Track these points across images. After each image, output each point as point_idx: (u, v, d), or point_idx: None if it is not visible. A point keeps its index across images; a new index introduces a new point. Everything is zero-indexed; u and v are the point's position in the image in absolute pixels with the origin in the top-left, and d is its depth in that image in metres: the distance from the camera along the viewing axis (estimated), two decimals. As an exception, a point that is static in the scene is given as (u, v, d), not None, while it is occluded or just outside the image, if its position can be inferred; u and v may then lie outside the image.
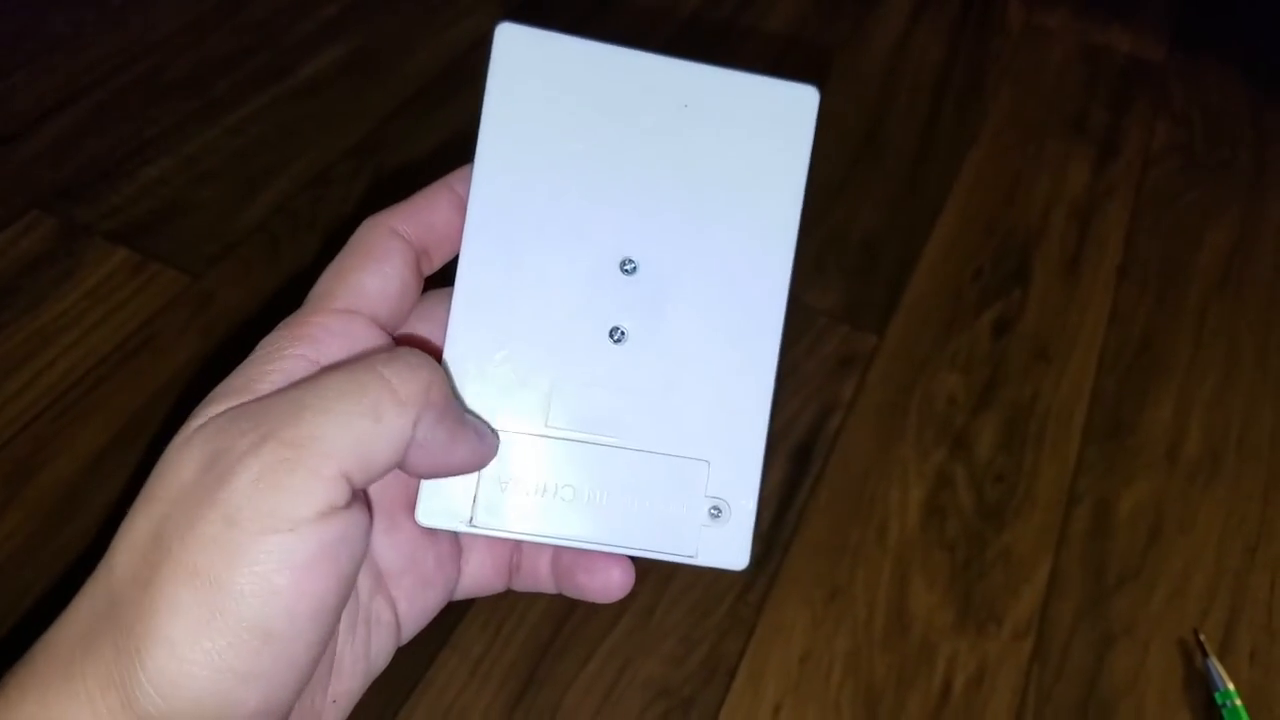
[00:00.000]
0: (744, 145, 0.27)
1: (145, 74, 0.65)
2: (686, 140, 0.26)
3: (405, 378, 0.21)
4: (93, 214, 0.57)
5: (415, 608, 0.25)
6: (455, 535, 0.26)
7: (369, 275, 0.24)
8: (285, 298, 0.53)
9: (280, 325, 0.23)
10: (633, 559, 0.26)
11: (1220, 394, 0.56)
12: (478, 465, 0.24)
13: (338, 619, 0.20)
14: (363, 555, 0.20)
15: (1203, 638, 0.46)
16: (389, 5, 0.72)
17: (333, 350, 0.22)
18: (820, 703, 0.42)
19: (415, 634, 0.25)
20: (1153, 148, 0.71)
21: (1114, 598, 0.47)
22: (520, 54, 0.28)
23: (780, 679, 0.43)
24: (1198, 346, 0.59)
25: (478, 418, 0.24)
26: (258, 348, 0.23)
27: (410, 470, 0.22)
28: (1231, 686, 0.44)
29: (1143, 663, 0.45)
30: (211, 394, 0.22)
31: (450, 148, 0.63)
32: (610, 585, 0.26)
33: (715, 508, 0.26)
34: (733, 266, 0.26)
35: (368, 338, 0.23)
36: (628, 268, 0.26)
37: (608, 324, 0.26)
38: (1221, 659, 0.46)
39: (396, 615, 0.24)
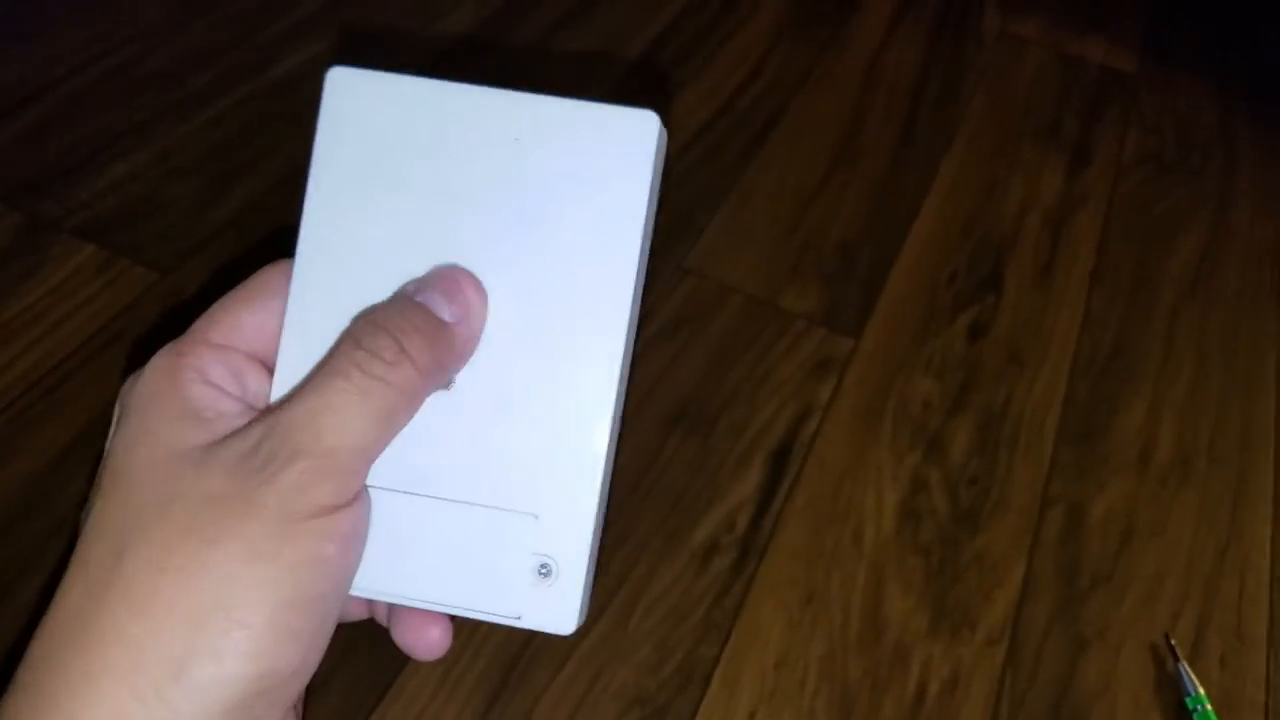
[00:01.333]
0: (579, 178, 0.25)
1: (119, 66, 0.64)
2: (519, 175, 0.25)
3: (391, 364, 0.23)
4: (60, 209, 0.55)
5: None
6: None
7: (250, 312, 0.25)
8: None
9: (164, 349, 0.25)
10: (455, 617, 0.25)
11: (1191, 398, 0.57)
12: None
13: (345, 596, 0.23)
14: (364, 538, 0.24)
15: (1174, 642, 0.46)
16: (368, 2, 0.72)
17: (217, 374, 0.24)
18: (795, 708, 0.42)
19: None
20: (1124, 156, 0.72)
21: (1086, 602, 0.47)
22: (352, 95, 0.26)
23: (755, 685, 0.43)
24: (1168, 351, 0.59)
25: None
26: (147, 371, 0.25)
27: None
28: (1202, 691, 0.44)
29: (1114, 667, 0.46)
30: (129, 409, 0.25)
31: (427, 146, 0.62)
32: (428, 644, 0.26)
33: (544, 566, 0.24)
34: (566, 306, 0.25)
35: (242, 373, 0.25)
36: None
37: None
38: (1192, 663, 0.46)
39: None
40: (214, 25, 0.68)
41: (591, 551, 0.25)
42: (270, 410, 0.23)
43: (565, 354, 0.25)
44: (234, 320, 0.25)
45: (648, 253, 0.26)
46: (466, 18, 0.72)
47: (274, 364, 0.25)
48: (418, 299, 0.24)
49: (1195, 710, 0.44)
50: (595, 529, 0.25)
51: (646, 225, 0.26)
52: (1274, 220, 0.70)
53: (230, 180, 0.58)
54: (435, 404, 0.24)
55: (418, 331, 0.23)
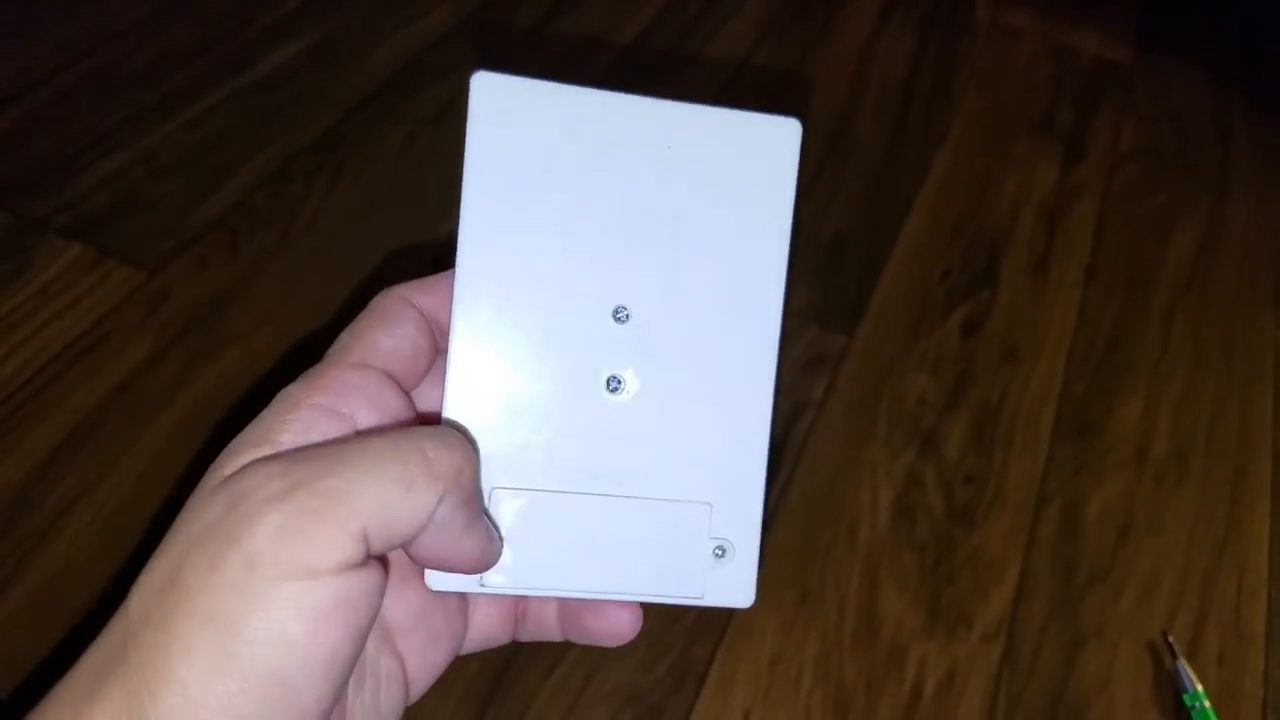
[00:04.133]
0: (728, 184, 0.26)
1: (102, 65, 0.63)
2: (671, 182, 0.26)
3: (442, 455, 0.21)
4: (46, 209, 0.55)
5: (424, 663, 0.25)
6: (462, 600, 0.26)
7: (382, 334, 0.24)
8: (242, 295, 0.52)
9: (299, 378, 0.23)
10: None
11: (1187, 394, 0.57)
12: (478, 567, 0.23)
13: (349, 673, 0.20)
14: (376, 612, 0.20)
15: (1171, 639, 0.46)
16: (350, 0, 0.71)
17: (350, 402, 0.22)
18: (790, 708, 0.42)
19: (425, 690, 0.25)
20: (1120, 148, 0.71)
21: (1083, 599, 0.47)
22: (498, 103, 0.26)
23: (750, 684, 0.42)
24: (1165, 347, 0.59)
25: (493, 524, 0.24)
26: (276, 399, 0.22)
27: (417, 550, 0.21)
28: (1200, 688, 0.44)
29: (1112, 664, 0.45)
30: (231, 445, 0.22)
31: (413, 142, 0.62)
32: (619, 628, 0.26)
33: (719, 548, 0.26)
34: (724, 307, 0.26)
35: (382, 392, 0.23)
36: (620, 316, 0.26)
37: (604, 374, 0.25)
38: (1190, 660, 0.46)
39: (405, 671, 0.24)
40: (196, 24, 0.67)
41: (760, 530, 0.26)
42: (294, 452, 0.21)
43: (726, 354, 0.26)
44: (369, 343, 0.24)
45: (788, 254, 0.27)
46: (448, 18, 0.71)
47: (410, 386, 0.25)
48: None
49: (1193, 707, 0.43)
50: (762, 510, 0.26)
51: (790, 228, 0.27)
52: (1271, 212, 0.69)
53: (215, 179, 0.58)
54: (609, 407, 0.26)
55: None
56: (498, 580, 0.24)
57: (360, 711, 0.23)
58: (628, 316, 0.26)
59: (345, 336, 0.24)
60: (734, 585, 0.26)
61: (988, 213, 0.64)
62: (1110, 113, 0.74)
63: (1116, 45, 0.81)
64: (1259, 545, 0.51)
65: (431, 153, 0.61)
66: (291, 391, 0.22)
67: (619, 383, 0.25)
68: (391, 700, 0.24)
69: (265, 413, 0.22)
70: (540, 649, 0.42)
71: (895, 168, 0.66)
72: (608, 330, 0.26)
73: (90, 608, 0.41)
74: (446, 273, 0.26)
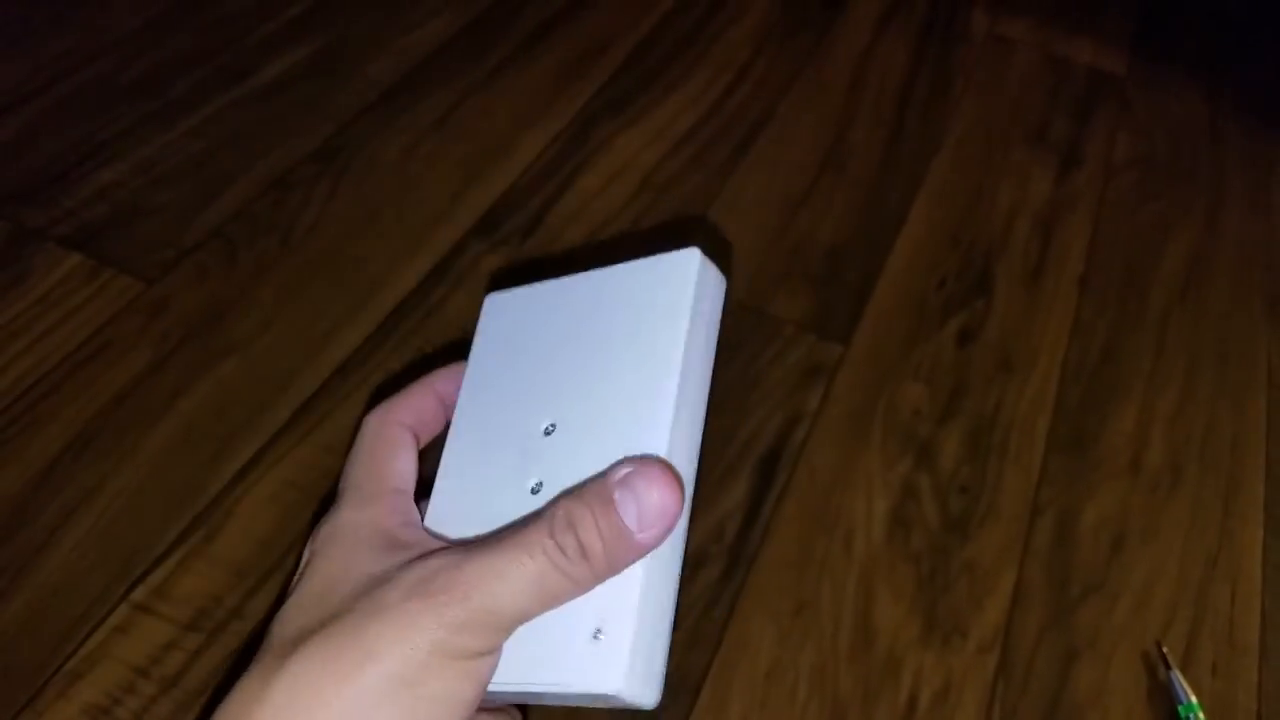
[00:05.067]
0: (637, 318, 0.31)
1: (101, 74, 0.64)
2: (596, 330, 0.32)
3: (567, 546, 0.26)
4: (44, 218, 0.55)
5: None
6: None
7: (400, 461, 0.32)
8: (241, 304, 0.52)
9: (348, 506, 0.30)
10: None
11: (1181, 404, 0.57)
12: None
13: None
14: None
15: (1166, 650, 0.46)
16: (351, 8, 0.71)
17: (394, 522, 0.30)
18: (786, 719, 0.42)
19: None
20: (1114, 158, 0.72)
21: (1078, 610, 0.47)
22: (497, 311, 0.36)
23: (745, 695, 0.42)
24: (1159, 357, 0.59)
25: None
26: (341, 528, 0.30)
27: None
28: (1194, 699, 0.44)
29: (1106, 676, 0.45)
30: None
31: (414, 151, 0.62)
32: None
33: (597, 631, 0.26)
34: (623, 417, 0.29)
35: (410, 508, 0.31)
36: (548, 430, 0.30)
37: (531, 480, 0.29)
38: (1184, 671, 0.46)
39: None
40: (195, 32, 0.68)
41: (641, 613, 0.26)
42: (456, 549, 0.26)
43: (617, 454, 0.29)
44: (396, 471, 0.32)
45: (706, 374, 0.31)
46: (449, 26, 0.72)
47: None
48: (618, 504, 0.25)
49: (1188, 718, 0.44)
50: (645, 593, 0.26)
51: (692, 349, 0.30)
52: (1265, 222, 0.70)
53: (214, 188, 0.58)
54: (530, 505, 0.29)
55: (602, 540, 0.25)
56: None
57: None
58: (553, 430, 0.30)
59: (365, 466, 0.32)
60: (606, 669, 0.25)
61: (983, 222, 0.65)
62: (1105, 123, 0.75)
63: (1111, 56, 0.81)
64: (1252, 555, 0.51)
65: (432, 161, 0.61)
66: (358, 517, 0.30)
67: (539, 485, 0.29)
68: None
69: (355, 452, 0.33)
70: (537, 660, 0.42)
71: (891, 177, 0.67)
72: (538, 444, 0.30)
73: (91, 617, 0.41)
74: (415, 388, 0.34)
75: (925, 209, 0.65)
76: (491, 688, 0.27)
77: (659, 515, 0.25)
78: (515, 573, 0.25)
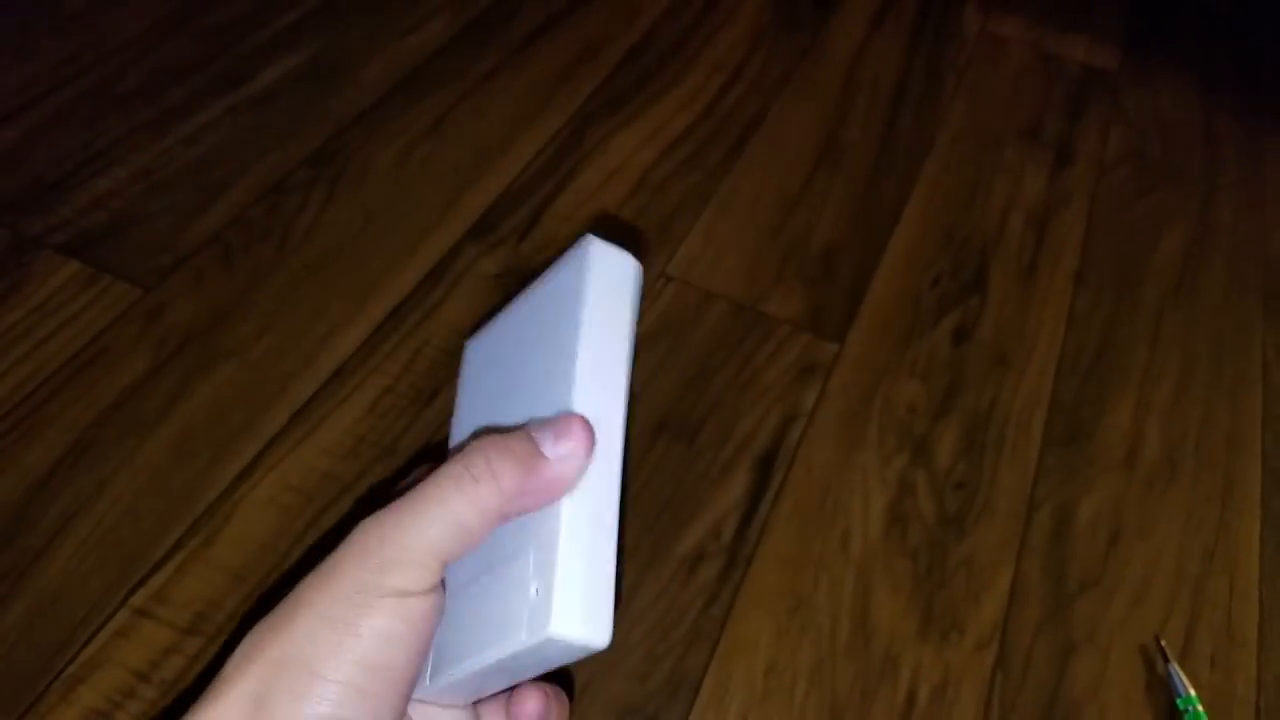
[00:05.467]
0: (554, 314, 0.31)
1: (97, 83, 0.64)
2: (532, 334, 0.32)
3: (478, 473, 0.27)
4: (42, 226, 0.55)
5: None
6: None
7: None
8: (239, 310, 0.53)
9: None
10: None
11: (1177, 398, 0.57)
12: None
13: (417, 671, 0.26)
14: (435, 624, 0.27)
15: (1164, 643, 0.46)
16: (347, 14, 0.72)
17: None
18: (785, 716, 0.42)
19: None
20: (1107, 154, 0.72)
21: (1075, 605, 0.47)
22: (472, 355, 0.37)
23: (744, 693, 0.43)
24: (1154, 351, 0.59)
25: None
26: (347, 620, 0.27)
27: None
28: (1193, 692, 0.44)
29: (1104, 670, 0.46)
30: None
31: (409, 155, 0.62)
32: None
33: (535, 588, 0.26)
34: (544, 401, 0.29)
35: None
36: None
37: None
38: (1182, 664, 0.46)
39: None
40: (190, 40, 0.68)
41: (567, 555, 0.26)
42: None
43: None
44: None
45: (619, 347, 0.30)
46: (442, 33, 0.72)
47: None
48: (532, 432, 0.26)
49: (1186, 711, 0.44)
50: (570, 536, 0.26)
51: (595, 324, 0.30)
52: (1258, 216, 0.70)
53: (211, 194, 0.58)
54: None
55: (512, 457, 0.26)
56: None
57: None
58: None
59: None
60: (541, 616, 0.26)
61: (976, 219, 0.65)
62: (1098, 119, 0.75)
63: (1104, 52, 0.81)
64: (1250, 548, 0.51)
65: (427, 164, 0.62)
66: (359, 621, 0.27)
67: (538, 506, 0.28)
68: None
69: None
70: (536, 659, 0.42)
71: (885, 175, 0.67)
72: None
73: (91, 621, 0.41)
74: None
75: (919, 207, 0.65)
76: (455, 677, 0.28)
77: (564, 433, 0.26)
78: (427, 507, 0.26)
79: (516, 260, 0.57)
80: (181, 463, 0.46)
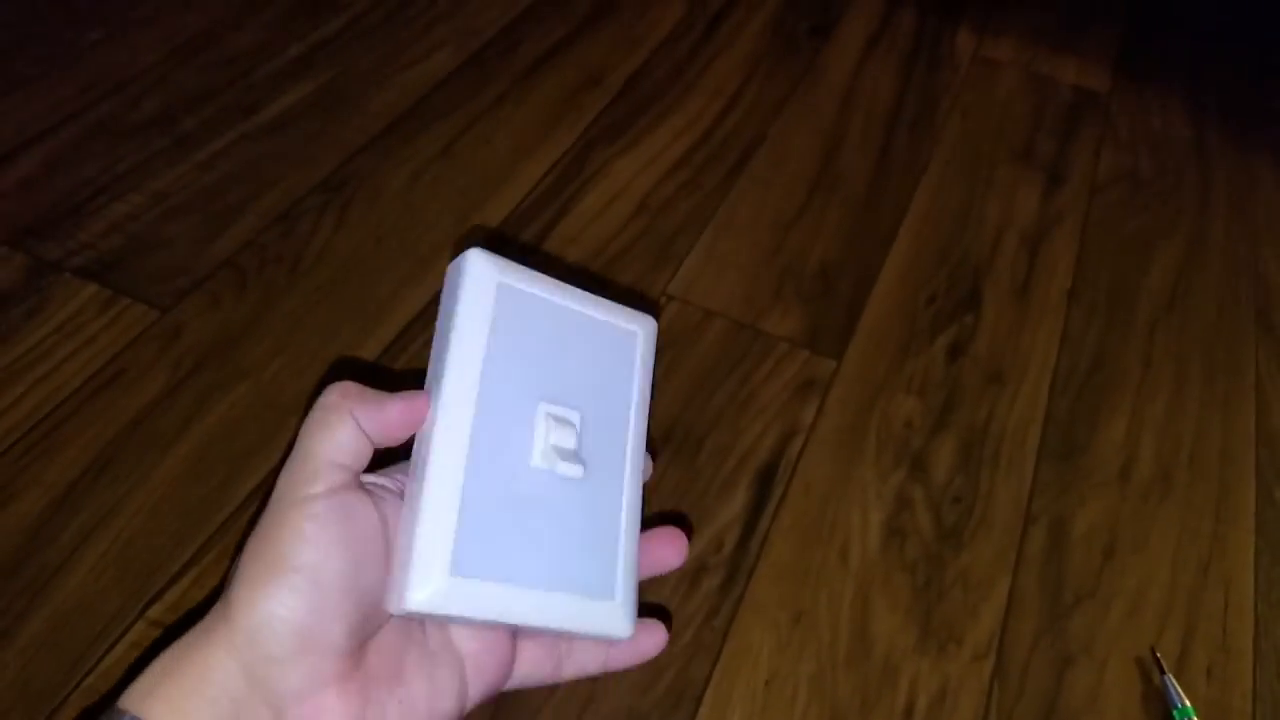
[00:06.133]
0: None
1: (114, 111, 0.66)
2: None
3: (330, 404, 0.32)
4: (61, 250, 0.57)
5: (480, 673, 0.33)
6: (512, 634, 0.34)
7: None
8: (253, 331, 0.54)
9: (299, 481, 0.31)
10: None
11: (1170, 413, 0.58)
12: (415, 418, 0.31)
13: (353, 561, 0.29)
14: (363, 526, 0.30)
15: (1159, 655, 0.47)
16: (355, 45, 0.73)
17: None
18: (785, 724, 0.43)
19: (477, 700, 0.33)
20: (1099, 174, 0.73)
21: (1071, 617, 0.48)
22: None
23: (746, 703, 0.44)
24: (1147, 367, 0.60)
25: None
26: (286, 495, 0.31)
27: (381, 439, 0.31)
28: (1189, 704, 0.45)
29: (1101, 681, 0.46)
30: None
31: (417, 180, 0.64)
32: (654, 648, 0.36)
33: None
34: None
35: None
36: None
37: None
38: (1178, 676, 0.47)
39: (463, 667, 0.32)
40: (203, 69, 0.70)
41: (418, 533, 0.30)
42: None
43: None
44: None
45: (473, 350, 0.32)
46: (448, 62, 0.74)
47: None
48: (398, 397, 0.32)
49: (1180, 720, 0.44)
50: (418, 512, 0.30)
51: (466, 330, 0.32)
52: (1249, 233, 0.71)
53: (225, 219, 0.60)
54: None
55: (364, 400, 0.31)
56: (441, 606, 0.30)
57: (414, 669, 0.31)
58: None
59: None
60: (612, 620, 0.32)
61: (971, 239, 0.66)
62: (1090, 140, 0.76)
63: (1095, 74, 0.83)
64: (1244, 561, 0.52)
65: (435, 189, 0.63)
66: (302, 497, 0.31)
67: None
68: (446, 681, 0.32)
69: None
70: (542, 670, 0.43)
71: (880, 196, 0.68)
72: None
73: (109, 633, 0.42)
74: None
75: (914, 227, 0.66)
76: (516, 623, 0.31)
77: (409, 401, 0.31)
78: (315, 428, 0.31)
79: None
80: (197, 479, 0.48)
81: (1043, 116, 0.78)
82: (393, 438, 0.31)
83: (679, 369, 0.56)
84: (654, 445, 0.52)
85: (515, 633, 0.34)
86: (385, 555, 0.30)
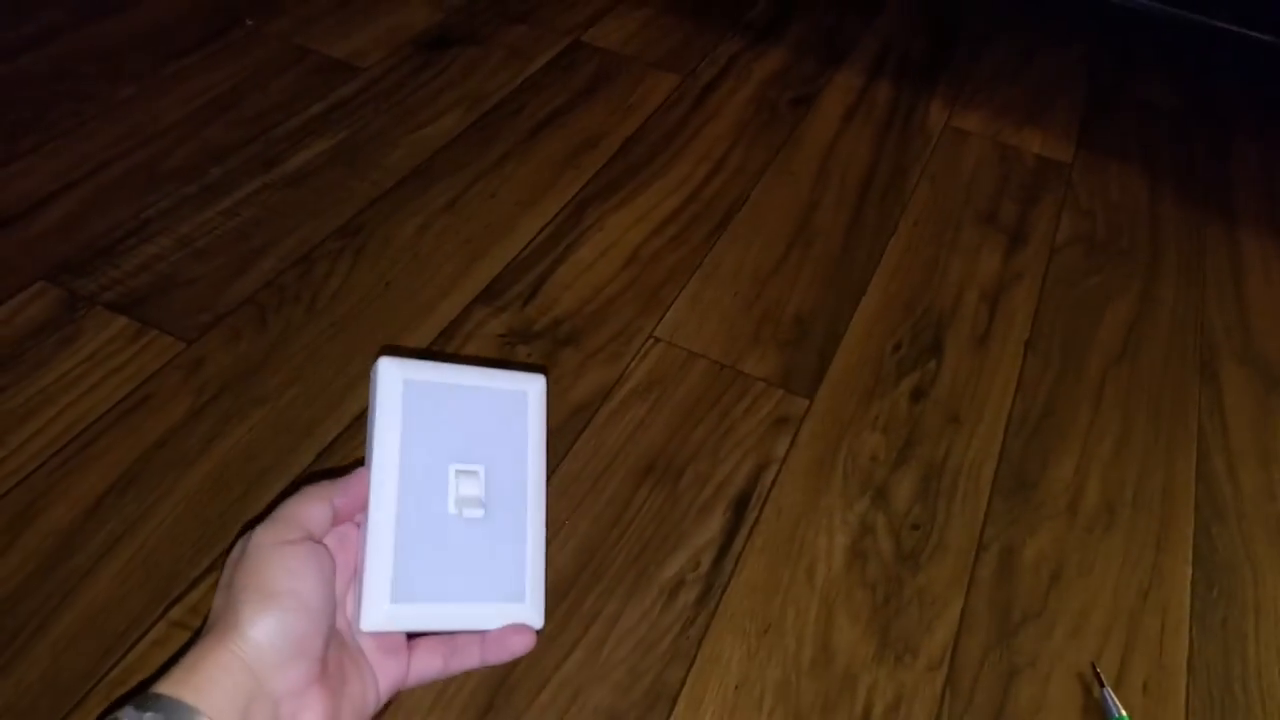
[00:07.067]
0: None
1: (145, 161, 0.71)
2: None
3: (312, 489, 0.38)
4: (94, 286, 0.62)
5: (383, 670, 0.38)
6: (405, 639, 0.39)
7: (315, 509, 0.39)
8: (270, 362, 0.59)
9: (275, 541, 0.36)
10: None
11: (1117, 454, 0.63)
12: (363, 492, 0.38)
13: (327, 592, 0.35)
14: (327, 567, 0.36)
15: (1099, 670, 0.51)
16: (369, 106, 0.80)
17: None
18: (752, 725, 0.47)
19: (387, 695, 0.38)
20: (1059, 237, 0.79)
21: (1019, 634, 0.52)
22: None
23: (717, 705, 0.47)
24: (1096, 412, 0.65)
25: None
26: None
27: (350, 511, 0.38)
28: (1125, 714, 0.49)
29: (1045, 693, 0.50)
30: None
31: (426, 230, 0.69)
32: (523, 646, 0.39)
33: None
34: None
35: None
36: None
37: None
38: (1117, 690, 0.51)
39: (374, 672, 0.38)
40: (230, 125, 0.76)
41: (368, 564, 0.38)
42: None
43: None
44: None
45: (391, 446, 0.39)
46: (458, 123, 0.80)
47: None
48: (340, 487, 0.39)
49: (1116, 729, 0.48)
50: (369, 549, 0.38)
51: (382, 431, 0.39)
52: (1197, 294, 0.77)
53: (247, 261, 0.65)
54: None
55: (336, 485, 0.38)
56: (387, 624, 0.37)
57: (357, 681, 0.37)
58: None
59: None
60: (524, 617, 0.39)
61: (935, 293, 0.72)
62: (1051, 205, 0.82)
63: (1059, 145, 0.90)
64: (1181, 588, 0.56)
65: (443, 238, 0.69)
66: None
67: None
68: (370, 691, 0.37)
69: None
70: (530, 671, 0.47)
71: (853, 253, 0.74)
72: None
73: (132, 633, 0.46)
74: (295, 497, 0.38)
75: (883, 281, 0.72)
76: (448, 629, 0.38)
77: (355, 489, 0.38)
78: (306, 501, 0.37)
79: (520, 322, 0.64)
80: (217, 495, 0.52)
81: (1008, 183, 0.84)
82: (357, 508, 0.39)
83: (664, 404, 0.60)
84: (638, 470, 0.57)
85: (434, 636, 0.40)
86: (344, 586, 0.38)
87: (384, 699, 0.38)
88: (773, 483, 0.57)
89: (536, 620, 0.39)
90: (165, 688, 0.32)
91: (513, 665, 0.47)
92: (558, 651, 0.48)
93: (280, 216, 0.69)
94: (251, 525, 0.37)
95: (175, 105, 0.77)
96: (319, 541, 0.37)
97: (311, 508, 0.37)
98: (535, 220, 0.72)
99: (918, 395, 0.64)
